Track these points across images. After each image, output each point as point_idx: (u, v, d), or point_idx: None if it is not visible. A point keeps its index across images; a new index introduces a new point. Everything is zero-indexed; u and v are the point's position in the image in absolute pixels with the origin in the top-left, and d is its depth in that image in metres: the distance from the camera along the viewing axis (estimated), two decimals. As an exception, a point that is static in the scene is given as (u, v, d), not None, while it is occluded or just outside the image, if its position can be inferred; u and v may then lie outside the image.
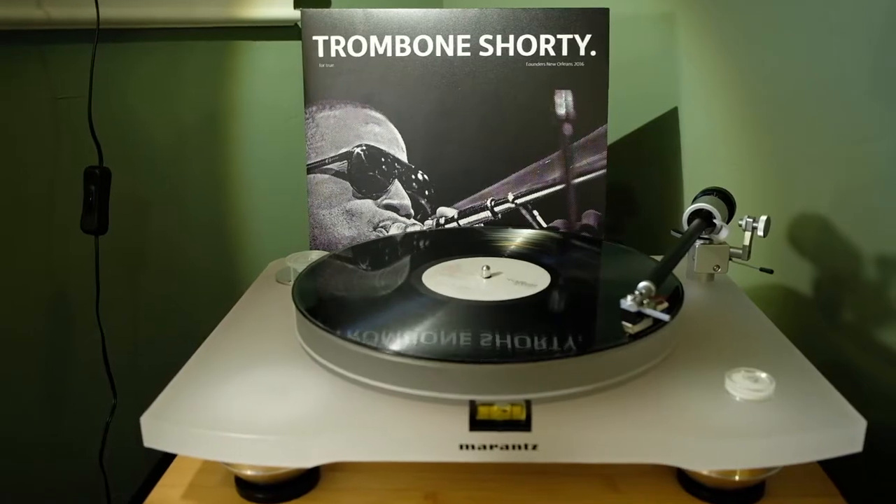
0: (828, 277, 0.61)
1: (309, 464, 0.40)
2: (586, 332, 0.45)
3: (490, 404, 0.40)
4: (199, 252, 0.90)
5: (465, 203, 0.72)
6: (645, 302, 0.44)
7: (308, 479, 0.44)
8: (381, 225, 0.72)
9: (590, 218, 0.71)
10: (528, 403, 0.40)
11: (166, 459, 0.47)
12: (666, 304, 0.45)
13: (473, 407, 0.40)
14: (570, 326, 0.46)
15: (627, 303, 0.44)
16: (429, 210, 0.72)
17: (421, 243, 0.66)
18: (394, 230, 0.72)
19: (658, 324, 0.45)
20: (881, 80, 0.54)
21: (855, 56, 0.57)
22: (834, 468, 0.46)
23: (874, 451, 0.49)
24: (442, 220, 0.72)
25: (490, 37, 0.70)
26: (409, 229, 0.72)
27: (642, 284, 0.45)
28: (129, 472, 0.84)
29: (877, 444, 0.51)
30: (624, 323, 0.44)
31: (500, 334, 0.45)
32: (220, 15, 0.83)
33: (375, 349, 0.43)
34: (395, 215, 0.72)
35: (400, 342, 0.43)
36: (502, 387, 0.41)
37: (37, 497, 0.89)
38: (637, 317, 0.44)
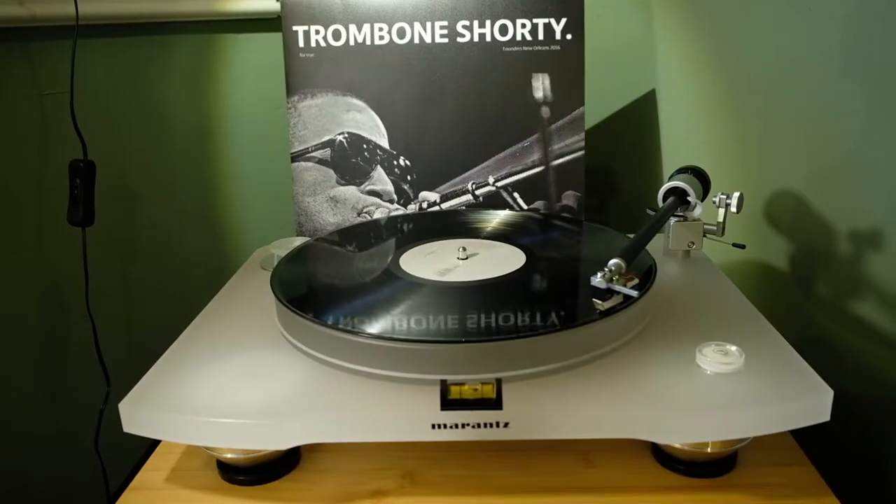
0: (803, 252, 0.62)
1: (282, 446, 0.40)
2: (556, 310, 0.45)
3: (461, 384, 0.41)
4: (189, 241, 0.91)
5: (446, 187, 0.72)
6: (615, 279, 0.45)
7: (288, 460, 0.45)
8: (364, 211, 0.73)
9: (569, 199, 0.72)
10: (498, 382, 0.41)
11: (157, 445, 0.48)
12: (636, 281, 0.46)
13: (445, 386, 0.41)
14: (540, 305, 0.47)
15: (597, 280, 0.45)
16: (411, 195, 0.73)
17: (401, 227, 0.66)
18: (377, 215, 0.73)
19: (628, 300, 0.45)
20: (853, 61, 0.54)
21: (828, 37, 0.57)
22: (808, 438, 0.46)
23: (846, 420, 0.50)
24: (425, 205, 0.73)
25: (467, 23, 0.70)
26: (392, 214, 0.72)
27: (612, 261, 0.45)
28: (124, 458, 0.86)
29: (849, 413, 0.51)
30: (594, 300, 0.44)
31: (471, 314, 0.45)
32: (203, 9, 0.83)
33: (348, 332, 0.43)
34: (378, 201, 0.73)
35: (372, 325, 0.44)
36: (473, 366, 0.42)
37: (36, 483, 0.91)
38: (607, 293, 0.45)
